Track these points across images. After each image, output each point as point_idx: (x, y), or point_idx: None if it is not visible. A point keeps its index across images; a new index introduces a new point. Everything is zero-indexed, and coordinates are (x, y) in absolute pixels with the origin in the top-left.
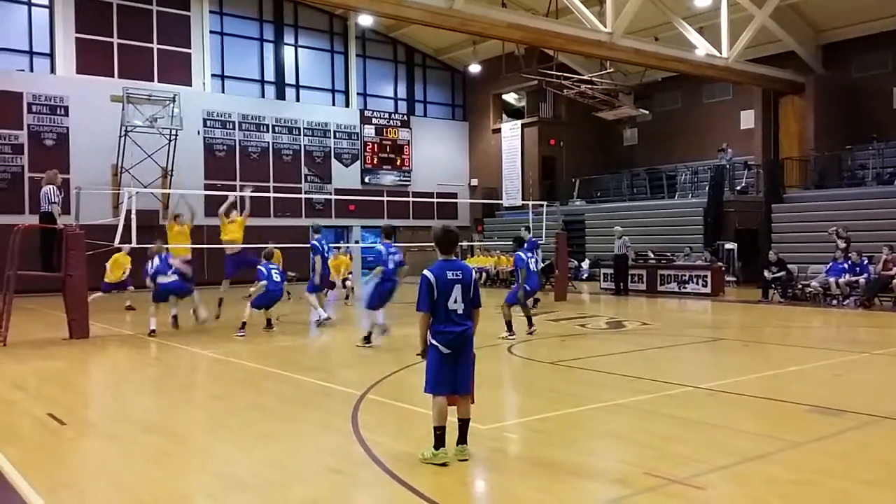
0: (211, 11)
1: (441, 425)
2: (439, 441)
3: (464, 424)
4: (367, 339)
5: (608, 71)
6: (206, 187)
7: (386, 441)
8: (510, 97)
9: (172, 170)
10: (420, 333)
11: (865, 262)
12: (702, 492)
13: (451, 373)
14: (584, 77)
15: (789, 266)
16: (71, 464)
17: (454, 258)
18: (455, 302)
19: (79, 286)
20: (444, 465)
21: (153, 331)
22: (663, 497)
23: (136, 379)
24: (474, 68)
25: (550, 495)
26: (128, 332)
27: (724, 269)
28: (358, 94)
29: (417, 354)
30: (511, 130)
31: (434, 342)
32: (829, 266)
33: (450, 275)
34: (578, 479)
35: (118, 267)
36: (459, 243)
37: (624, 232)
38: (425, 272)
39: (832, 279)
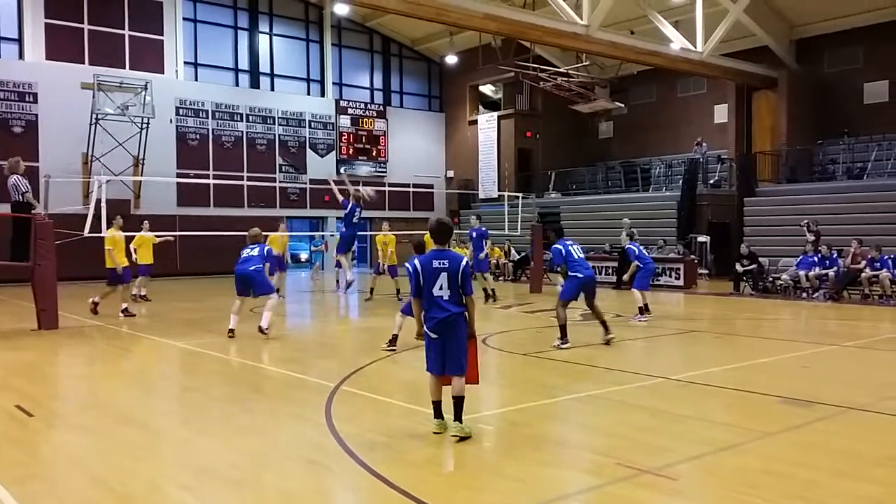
0: None
1: (433, 400)
2: (435, 412)
3: (456, 402)
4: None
5: (584, 64)
6: (179, 176)
7: (360, 432)
8: (487, 89)
9: (144, 158)
10: (415, 317)
11: (835, 255)
12: (673, 482)
13: (439, 355)
14: (561, 70)
15: (760, 259)
16: (40, 455)
17: (446, 248)
18: (440, 289)
19: (48, 276)
20: (436, 433)
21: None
22: (635, 487)
23: (108, 370)
24: (451, 59)
25: (524, 486)
26: (98, 323)
27: (696, 261)
28: (333, 83)
29: (416, 336)
30: (487, 122)
31: (424, 327)
32: (799, 259)
33: (435, 263)
34: (551, 469)
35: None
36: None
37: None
38: (414, 261)
39: (802, 272)
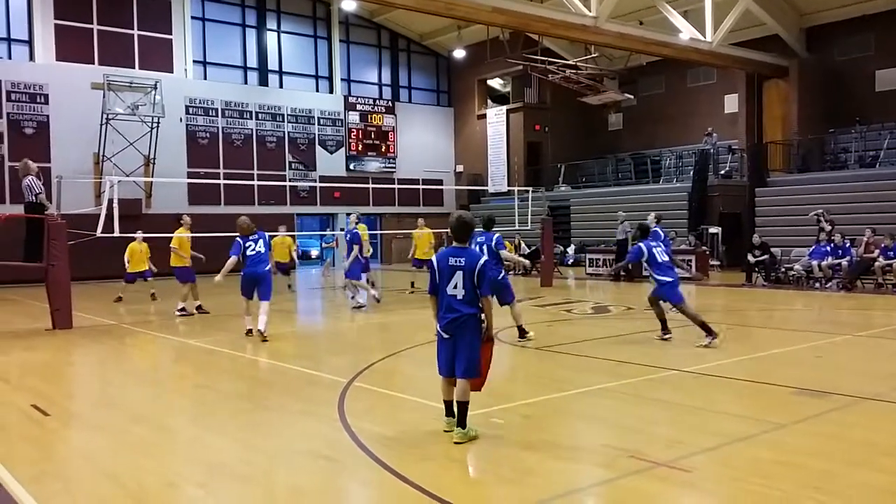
0: None
1: (444, 399)
2: (446, 410)
3: (459, 407)
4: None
5: (593, 56)
6: (189, 175)
7: (373, 428)
8: (495, 82)
9: (155, 158)
10: (433, 314)
11: (847, 244)
12: (687, 474)
13: (448, 356)
14: (569, 62)
15: (772, 249)
16: (56, 454)
17: (466, 246)
18: (455, 287)
19: (61, 276)
20: (447, 431)
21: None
22: (649, 480)
23: (121, 369)
24: (459, 53)
25: (536, 479)
26: (112, 322)
27: (708, 253)
28: (342, 80)
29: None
30: (496, 116)
31: (436, 326)
32: (811, 249)
33: (451, 261)
34: (564, 463)
35: (138, 256)
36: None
37: (627, 217)
38: (432, 257)
39: (815, 262)
